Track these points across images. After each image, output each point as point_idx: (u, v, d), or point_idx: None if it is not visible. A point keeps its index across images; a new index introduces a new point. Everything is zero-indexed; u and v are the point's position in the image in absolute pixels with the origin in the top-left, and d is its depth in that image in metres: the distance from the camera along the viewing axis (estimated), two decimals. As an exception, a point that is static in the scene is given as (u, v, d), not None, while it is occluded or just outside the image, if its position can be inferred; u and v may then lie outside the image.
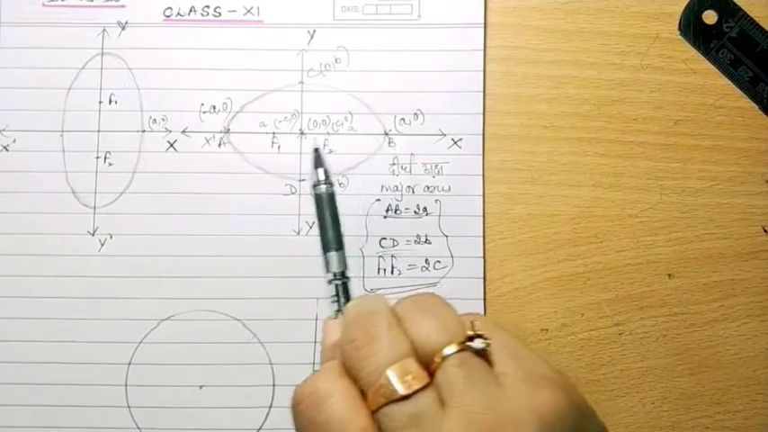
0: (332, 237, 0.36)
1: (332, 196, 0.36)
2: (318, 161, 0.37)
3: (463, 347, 0.25)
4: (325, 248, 0.36)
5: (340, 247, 0.36)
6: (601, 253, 0.37)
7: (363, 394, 0.25)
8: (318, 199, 0.36)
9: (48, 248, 0.37)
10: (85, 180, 0.37)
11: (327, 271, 0.36)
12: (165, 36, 0.38)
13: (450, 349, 0.25)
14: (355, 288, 0.36)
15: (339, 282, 0.35)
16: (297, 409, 0.26)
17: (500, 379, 0.25)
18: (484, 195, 0.37)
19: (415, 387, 0.24)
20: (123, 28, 0.38)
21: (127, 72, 0.38)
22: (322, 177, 0.36)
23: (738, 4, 0.38)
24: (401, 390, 0.24)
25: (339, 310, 0.35)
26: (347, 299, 0.35)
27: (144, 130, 0.38)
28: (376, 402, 0.24)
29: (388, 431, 0.24)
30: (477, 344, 0.25)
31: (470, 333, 0.25)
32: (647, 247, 0.37)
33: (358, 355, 0.25)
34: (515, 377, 0.25)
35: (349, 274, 0.36)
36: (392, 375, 0.24)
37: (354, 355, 0.25)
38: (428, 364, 0.25)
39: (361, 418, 0.24)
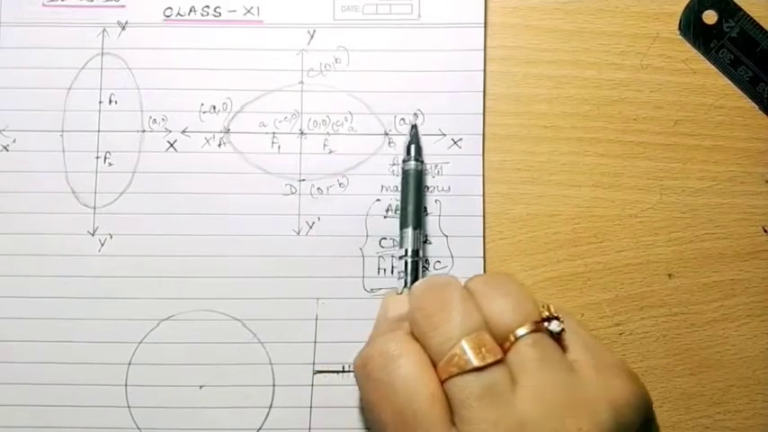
0: (412, 213, 0.35)
1: (420, 173, 0.36)
2: (414, 138, 0.36)
3: (538, 328, 0.25)
4: (403, 224, 0.35)
5: (418, 225, 0.35)
6: (601, 253, 0.37)
7: (433, 363, 0.24)
8: (406, 174, 0.36)
9: (48, 248, 0.37)
10: (85, 180, 0.37)
11: (400, 247, 0.35)
12: (165, 36, 0.38)
13: (524, 329, 0.25)
14: (356, 288, 0.36)
15: (410, 259, 0.34)
16: (364, 371, 0.25)
17: (572, 365, 0.25)
18: (484, 195, 0.37)
19: (490, 360, 0.23)
20: (123, 28, 0.38)
21: (127, 72, 0.38)
22: (413, 153, 0.36)
23: (738, 4, 0.38)
24: (475, 361, 0.23)
25: (406, 287, 0.34)
26: (415, 279, 0.34)
27: (144, 130, 0.38)
28: (447, 372, 0.24)
29: (458, 401, 0.23)
30: (554, 326, 0.25)
31: (546, 314, 0.25)
32: (647, 247, 0.37)
33: (430, 323, 0.24)
34: (588, 364, 0.25)
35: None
36: (466, 346, 0.24)
37: (426, 323, 0.25)
38: (501, 341, 0.24)
39: (430, 383, 0.24)
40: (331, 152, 0.37)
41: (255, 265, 0.37)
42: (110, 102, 0.38)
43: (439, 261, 0.37)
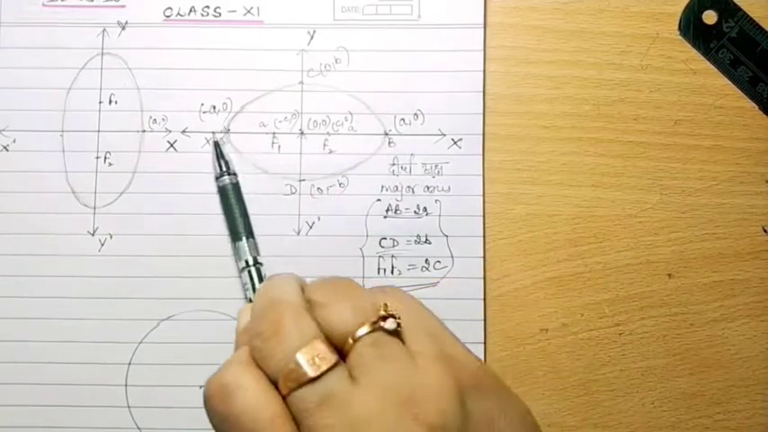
0: (241, 225, 0.36)
1: (236, 186, 0.36)
2: (219, 153, 0.37)
3: (375, 328, 0.25)
4: (235, 238, 0.36)
5: (249, 234, 0.36)
6: (601, 253, 0.37)
7: (275, 383, 0.25)
8: (223, 191, 0.36)
9: (48, 248, 0.37)
10: (85, 180, 0.37)
11: (239, 260, 0.36)
12: (165, 36, 0.38)
13: (362, 330, 0.25)
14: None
15: (253, 269, 0.35)
16: (208, 406, 0.26)
17: (415, 357, 0.25)
18: (484, 195, 0.37)
19: (324, 367, 0.24)
20: (123, 28, 0.38)
21: (127, 72, 0.38)
22: (224, 168, 0.36)
23: (738, 4, 0.38)
24: (310, 372, 0.24)
25: (251, 300, 0.34)
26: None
27: (144, 130, 0.38)
28: (287, 387, 0.24)
29: (301, 414, 0.24)
30: (389, 324, 0.25)
31: (382, 313, 0.25)
32: (647, 247, 0.37)
33: (266, 345, 0.25)
34: (429, 354, 0.25)
35: (261, 260, 0.36)
36: (301, 358, 0.24)
37: (263, 346, 0.25)
38: (341, 346, 0.25)
39: (271, 405, 0.24)
40: (331, 152, 0.37)
41: (255, 265, 0.37)
42: (110, 102, 0.38)
43: (439, 261, 0.37)
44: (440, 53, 0.38)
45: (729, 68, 0.38)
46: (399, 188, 0.37)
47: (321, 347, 0.24)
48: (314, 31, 0.38)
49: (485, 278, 0.37)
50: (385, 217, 0.37)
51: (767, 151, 0.38)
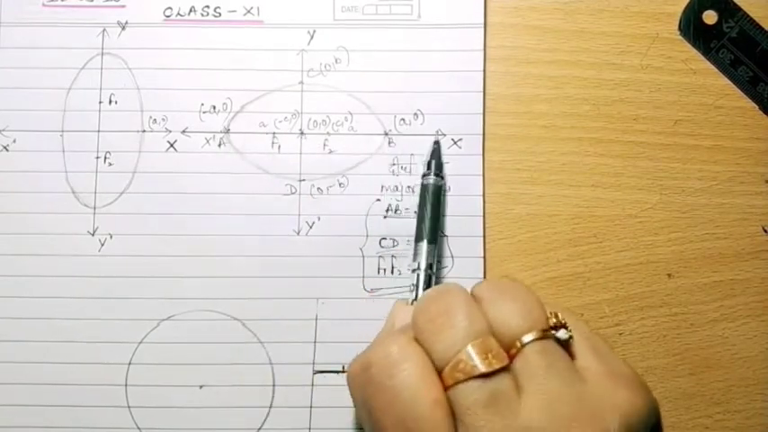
0: (428, 227, 0.35)
1: (439, 189, 0.36)
2: (435, 154, 0.36)
3: (545, 335, 0.24)
4: (418, 237, 0.35)
5: (433, 240, 0.35)
6: (601, 253, 0.37)
7: (437, 369, 0.23)
8: (424, 189, 0.36)
9: (48, 248, 0.37)
10: (85, 180, 0.37)
11: (414, 259, 0.35)
12: (165, 36, 0.38)
13: (530, 336, 0.24)
14: (356, 288, 0.36)
15: (423, 273, 0.34)
16: (366, 375, 0.24)
17: (581, 373, 0.24)
18: (484, 195, 0.37)
19: (497, 366, 0.23)
20: (123, 28, 0.38)
21: (127, 72, 0.38)
22: (434, 169, 0.36)
23: (738, 4, 0.38)
24: (482, 367, 0.23)
25: (416, 299, 0.33)
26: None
27: (144, 130, 0.38)
28: (453, 377, 0.23)
29: (463, 408, 0.23)
30: (562, 334, 0.24)
31: (554, 322, 0.25)
32: (647, 247, 0.37)
33: (434, 327, 0.24)
34: (597, 372, 0.24)
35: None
36: (472, 351, 0.23)
37: (430, 327, 0.24)
38: (507, 348, 0.24)
39: (434, 389, 0.23)
40: (331, 152, 0.37)
41: (255, 265, 0.37)
42: (110, 102, 0.38)
43: (439, 261, 0.37)
44: (440, 53, 0.38)
45: (729, 68, 0.38)
46: (399, 188, 0.37)
47: (494, 344, 0.23)
48: (314, 31, 0.38)
49: (485, 278, 0.37)
50: (385, 217, 0.37)
51: (767, 151, 0.38)
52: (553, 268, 0.37)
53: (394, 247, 0.37)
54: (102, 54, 0.38)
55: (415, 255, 0.35)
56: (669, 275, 0.37)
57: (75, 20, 0.38)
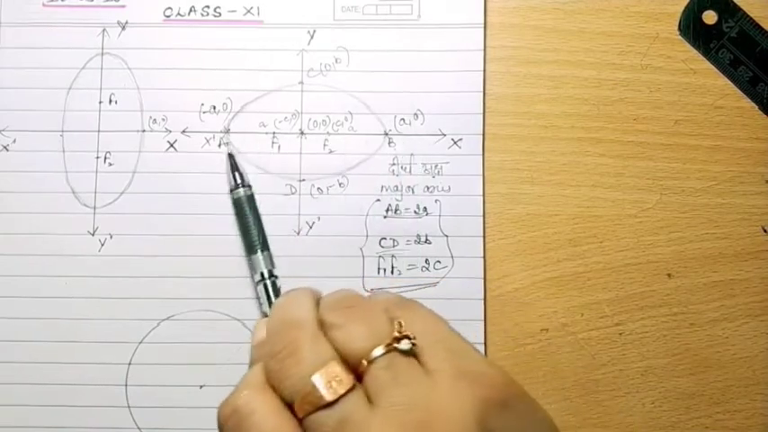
0: (256, 238, 0.36)
1: (251, 198, 0.36)
2: (234, 166, 0.37)
3: (390, 349, 0.25)
4: (250, 251, 0.36)
5: (265, 247, 0.36)
6: (601, 253, 0.37)
7: (290, 405, 0.24)
8: (238, 203, 0.36)
9: (48, 248, 0.37)
10: (85, 180, 0.37)
11: (255, 272, 0.36)
12: (165, 36, 0.38)
13: (377, 352, 0.25)
14: (356, 288, 0.36)
15: (268, 281, 0.35)
16: (224, 429, 0.25)
17: (433, 376, 0.24)
18: (484, 195, 0.37)
19: (341, 391, 0.24)
20: (123, 28, 0.38)
21: (127, 72, 0.38)
22: (239, 181, 0.36)
23: (738, 4, 0.38)
24: (327, 395, 0.23)
25: (266, 315, 0.34)
26: (277, 297, 0.35)
27: (144, 130, 0.38)
28: (303, 410, 0.24)
29: None
30: (404, 345, 0.25)
31: (396, 334, 0.25)
32: (647, 247, 0.37)
33: (282, 366, 0.25)
34: (448, 374, 0.24)
35: (277, 272, 0.36)
36: (318, 381, 0.24)
37: (278, 367, 0.25)
38: (355, 367, 0.25)
39: (285, 428, 0.24)
40: (331, 152, 0.37)
41: (255, 265, 0.37)
42: (110, 102, 0.38)
43: (439, 261, 0.37)
44: (440, 53, 0.38)
45: (729, 68, 0.38)
46: (399, 188, 0.37)
47: (337, 370, 0.24)
48: (314, 31, 0.38)
49: (485, 278, 0.37)
50: (385, 217, 0.37)
51: (767, 151, 0.38)
52: (553, 268, 0.37)
53: (394, 247, 0.37)
54: (102, 54, 0.38)
55: (255, 267, 0.36)
56: (669, 275, 0.37)
57: (75, 20, 0.38)
